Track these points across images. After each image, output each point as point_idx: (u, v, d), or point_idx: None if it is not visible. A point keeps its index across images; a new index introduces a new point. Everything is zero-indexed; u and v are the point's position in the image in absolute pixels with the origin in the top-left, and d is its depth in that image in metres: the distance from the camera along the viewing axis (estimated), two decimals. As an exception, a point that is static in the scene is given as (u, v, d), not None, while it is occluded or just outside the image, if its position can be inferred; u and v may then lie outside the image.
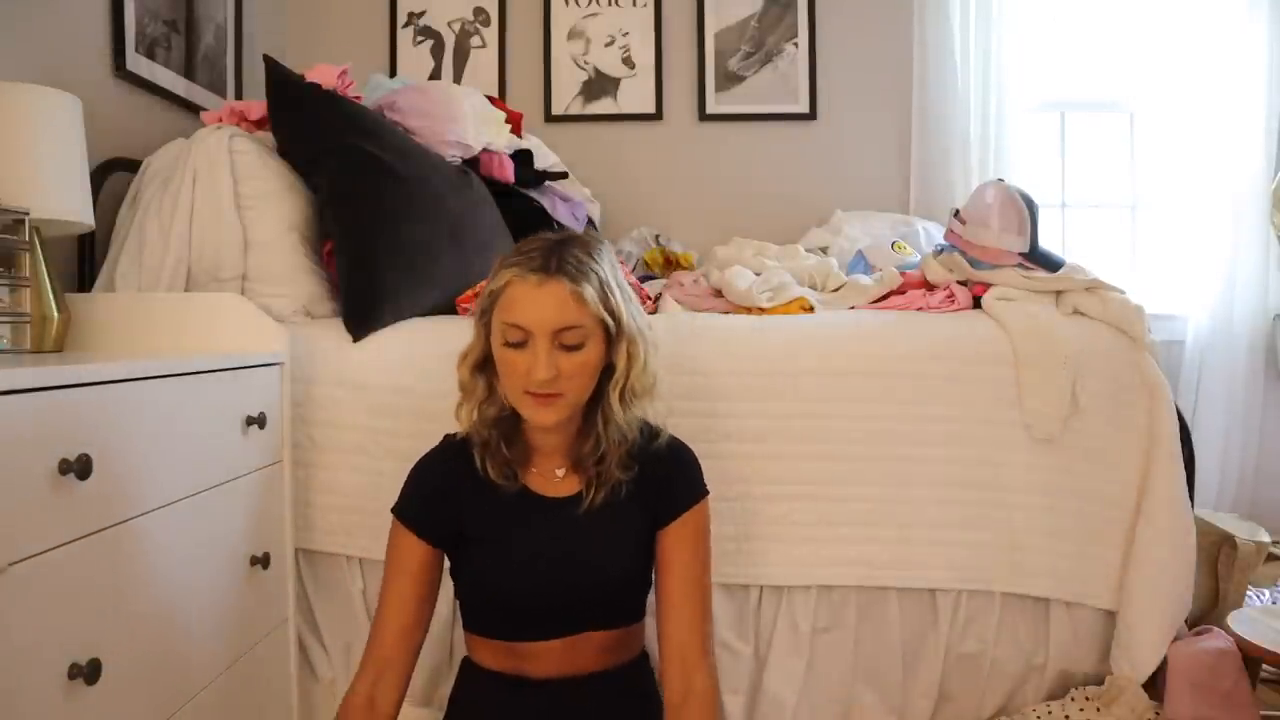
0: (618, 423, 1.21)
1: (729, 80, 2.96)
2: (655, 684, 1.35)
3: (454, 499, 1.24)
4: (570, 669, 1.24)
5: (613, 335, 1.18)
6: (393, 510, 1.26)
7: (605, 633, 1.26)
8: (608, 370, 1.21)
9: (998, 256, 1.75)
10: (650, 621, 1.32)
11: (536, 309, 1.12)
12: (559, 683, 1.24)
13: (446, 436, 1.32)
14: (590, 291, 1.14)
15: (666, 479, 1.26)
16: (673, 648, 1.21)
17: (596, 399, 1.22)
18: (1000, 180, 1.88)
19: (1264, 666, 1.56)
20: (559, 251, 1.15)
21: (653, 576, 1.28)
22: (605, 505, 1.22)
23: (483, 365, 1.23)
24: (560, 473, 1.26)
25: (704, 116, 2.97)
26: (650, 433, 1.28)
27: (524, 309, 1.13)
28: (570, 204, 2.48)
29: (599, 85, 2.97)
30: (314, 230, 1.80)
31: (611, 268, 1.21)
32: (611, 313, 1.17)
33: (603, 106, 2.97)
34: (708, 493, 1.28)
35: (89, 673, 0.94)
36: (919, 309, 1.75)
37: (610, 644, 1.27)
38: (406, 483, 1.28)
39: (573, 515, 1.22)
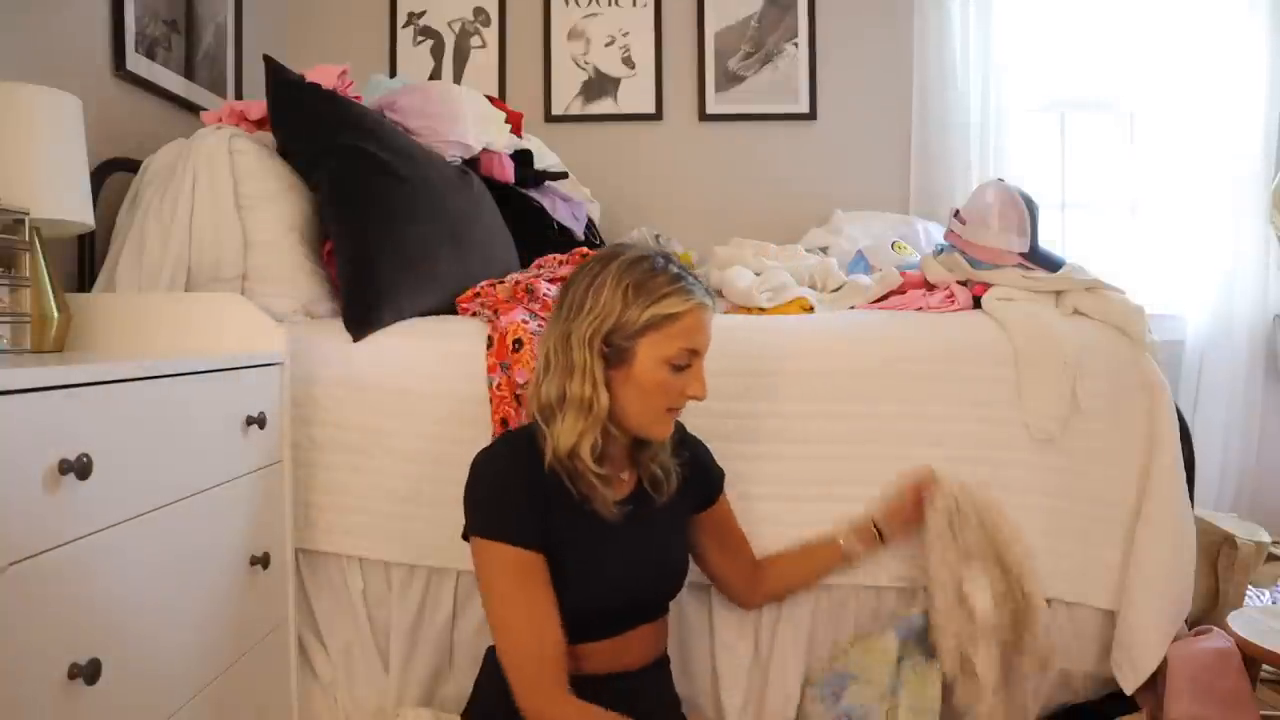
0: None
1: (729, 80, 2.96)
2: (673, 686, 1.40)
3: (538, 509, 1.19)
4: (614, 666, 1.26)
5: None
6: (486, 536, 1.18)
7: (651, 625, 1.31)
8: None
9: (998, 256, 1.75)
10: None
11: (708, 334, 1.24)
12: (598, 679, 1.23)
13: (486, 455, 1.25)
14: None
15: (704, 462, 1.42)
16: (751, 563, 1.48)
17: None
18: (1000, 180, 1.88)
19: (1264, 666, 1.56)
20: (699, 278, 1.26)
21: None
22: (665, 500, 1.30)
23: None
24: (625, 475, 1.31)
25: (704, 116, 2.97)
26: (678, 425, 1.38)
27: (704, 334, 1.23)
28: (570, 204, 2.48)
29: (599, 85, 2.97)
30: (314, 230, 1.80)
31: None
32: None
33: (603, 106, 2.97)
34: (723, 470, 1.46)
35: (89, 673, 0.94)
36: (919, 309, 1.75)
37: (651, 636, 1.32)
38: (481, 505, 1.20)
39: (645, 512, 1.28)
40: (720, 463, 1.47)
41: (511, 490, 1.20)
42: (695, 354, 1.22)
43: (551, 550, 1.19)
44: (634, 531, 1.25)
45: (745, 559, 1.48)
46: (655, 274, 1.20)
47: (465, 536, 1.22)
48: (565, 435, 1.19)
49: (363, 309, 1.61)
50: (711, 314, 1.25)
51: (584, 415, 1.19)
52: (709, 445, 1.45)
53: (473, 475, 1.22)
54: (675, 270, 1.23)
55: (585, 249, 2.00)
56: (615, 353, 1.19)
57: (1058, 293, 1.69)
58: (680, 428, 1.38)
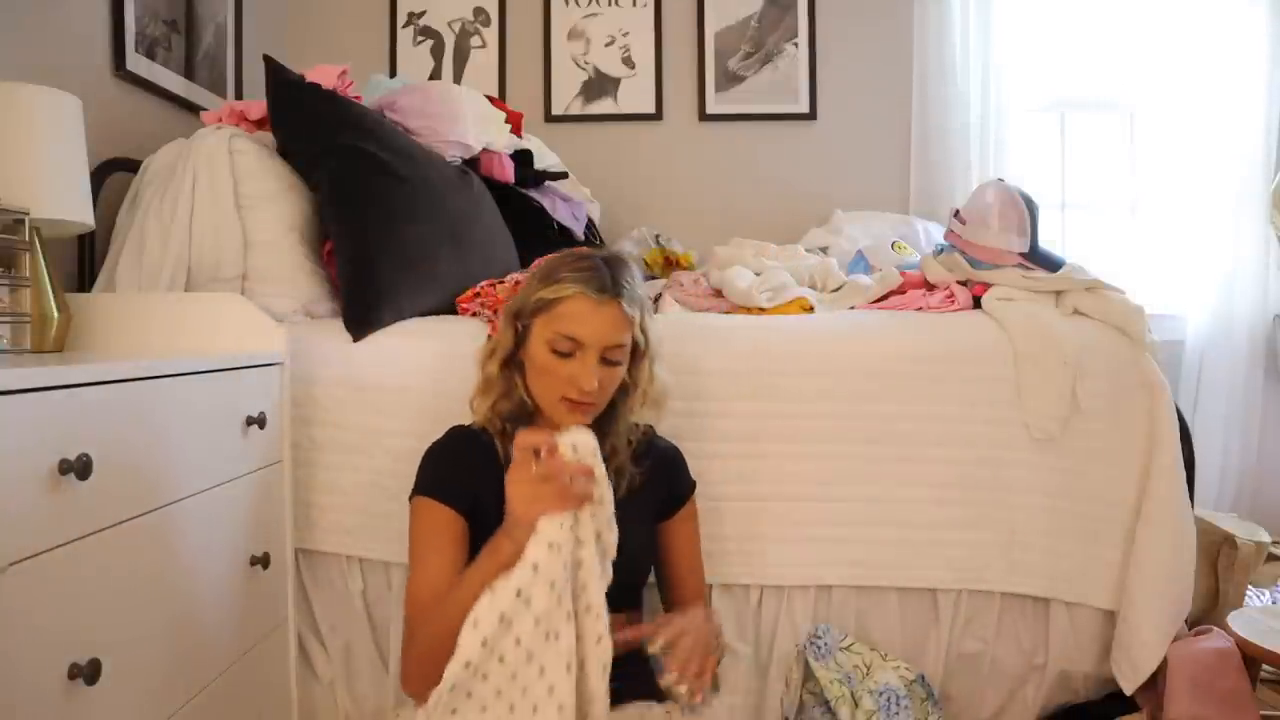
0: (627, 426, 1.31)
1: (729, 80, 2.96)
2: (654, 681, 1.36)
3: (473, 478, 1.24)
4: None
5: (640, 352, 1.29)
6: (418, 493, 1.24)
7: (615, 617, 1.27)
8: (621, 386, 1.29)
9: (998, 256, 1.75)
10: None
11: (595, 326, 1.21)
12: None
13: (454, 428, 1.32)
14: (636, 315, 1.25)
15: (669, 473, 1.38)
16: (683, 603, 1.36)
17: (608, 410, 1.30)
18: (1000, 180, 1.88)
19: (1264, 666, 1.56)
20: (614, 272, 1.24)
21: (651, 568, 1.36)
22: (622, 496, 1.28)
23: (507, 362, 1.28)
24: None
25: (704, 116, 2.97)
26: (648, 431, 1.37)
27: (584, 324, 1.21)
28: (570, 204, 2.48)
29: (599, 85, 2.97)
30: (314, 230, 1.80)
31: (644, 290, 1.32)
32: (644, 333, 1.28)
33: (603, 106, 2.97)
34: (695, 483, 1.41)
35: (89, 673, 0.94)
36: (919, 309, 1.75)
37: (617, 628, 1.28)
38: (424, 467, 1.28)
39: None
40: (719, 462, 1.47)
41: (450, 455, 1.28)
42: (576, 343, 1.20)
43: (482, 516, 1.21)
44: None
45: (681, 594, 1.38)
46: (570, 263, 1.25)
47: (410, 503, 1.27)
48: (475, 391, 1.30)
49: (363, 309, 1.61)
50: (611, 309, 1.21)
51: (480, 374, 1.29)
52: (703, 464, 1.42)
53: (428, 447, 1.30)
54: (593, 263, 1.24)
55: (585, 249, 1.99)
56: (523, 330, 1.26)
57: (1058, 293, 1.70)
58: (650, 436, 1.37)
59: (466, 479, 1.25)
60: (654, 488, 1.33)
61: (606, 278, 1.23)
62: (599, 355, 1.21)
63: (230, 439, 1.31)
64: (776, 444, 1.54)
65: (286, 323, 1.60)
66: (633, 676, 1.30)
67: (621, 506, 1.26)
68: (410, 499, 1.26)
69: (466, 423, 1.33)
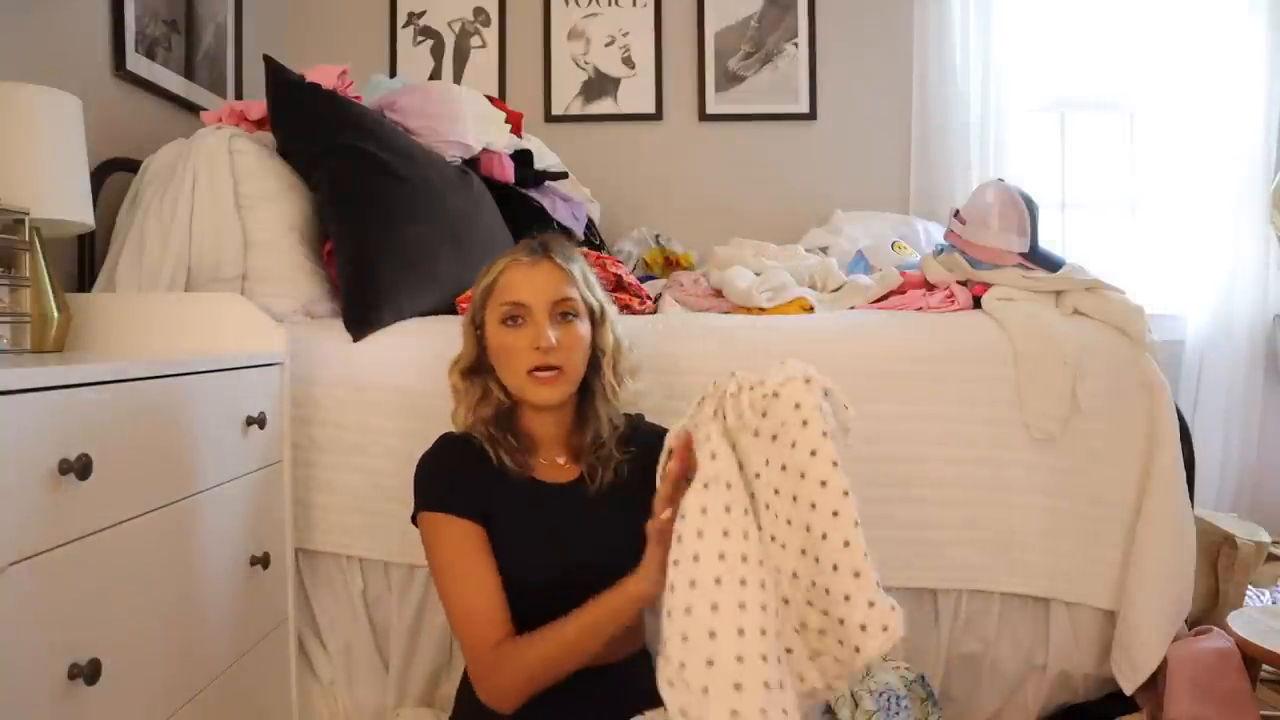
0: (609, 407, 1.31)
1: (729, 80, 2.96)
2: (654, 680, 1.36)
3: (475, 484, 1.25)
4: None
5: (597, 319, 1.30)
6: (427, 509, 1.23)
7: None
8: (592, 362, 1.30)
9: (998, 256, 1.75)
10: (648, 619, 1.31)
11: (533, 284, 1.24)
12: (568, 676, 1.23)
13: (443, 436, 1.32)
14: (577, 272, 1.28)
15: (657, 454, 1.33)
16: None
17: (585, 393, 1.31)
18: (1000, 180, 1.88)
19: (1264, 666, 1.56)
20: (544, 241, 1.30)
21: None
22: (610, 485, 1.29)
23: (475, 369, 1.30)
24: (561, 460, 1.31)
25: (704, 116, 2.97)
26: (636, 419, 1.38)
27: (521, 286, 1.24)
28: (570, 204, 2.48)
29: (599, 85, 2.97)
30: (314, 230, 1.80)
31: (584, 263, 1.34)
32: (595, 296, 1.30)
33: (603, 106, 2.97)
34: None
35: (89, 673, 0.94)
36: (919, 309, 1.75)
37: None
38: (423, 480, 1.26)
39: (581, 497, 1.27)
40: (720, 463, 1.47)
41: (447, 466, 1.27)
42: (522, 306, 1.23)
43: (487, 520, 1.23)
44: (571, 508, 1.26)
45: None
46: (503, 252, 1.30)
47: (413, 519, 1.26)
48: (455, 405, 1.31)
49: (363, 309, 1.61)
50: (545, 266, 1.25)
51: (450, 383, 1.32)
52: None
53: (420, 460, 1.29)
54: (523, 240, 1.30)
55: (585, 249, 1.99)
56: (480, 332, 1.29)
57: (1058, 293, 1.69)
58: (638, 421, 1.37)
59: (471, 485, 1.25)
60: (645, 475, 1.27)
61: (535, 244, 1.28)
62: (549, 313, 1.23)
63: (230, 439, 1.31)
64: (776, 444, 1.54)
65: (286, 323, 1.60)
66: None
67: (609, 498, 1.27)
68: (415, 515, 1.25)
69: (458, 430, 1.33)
